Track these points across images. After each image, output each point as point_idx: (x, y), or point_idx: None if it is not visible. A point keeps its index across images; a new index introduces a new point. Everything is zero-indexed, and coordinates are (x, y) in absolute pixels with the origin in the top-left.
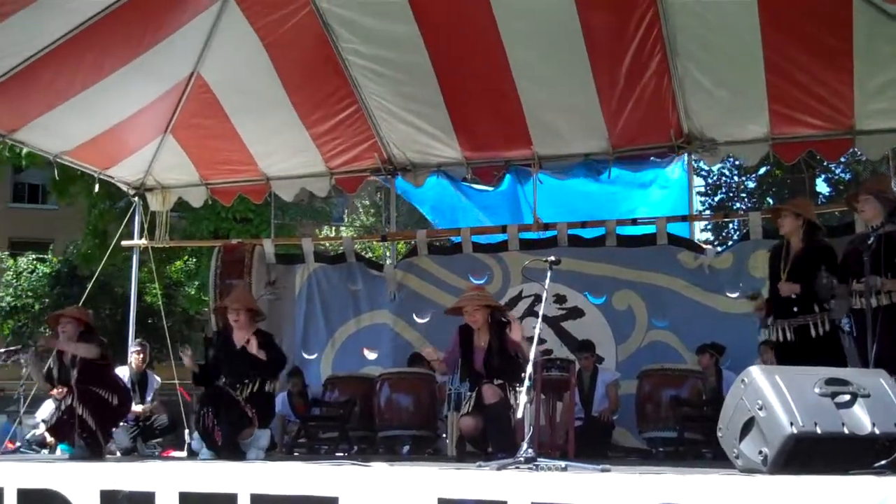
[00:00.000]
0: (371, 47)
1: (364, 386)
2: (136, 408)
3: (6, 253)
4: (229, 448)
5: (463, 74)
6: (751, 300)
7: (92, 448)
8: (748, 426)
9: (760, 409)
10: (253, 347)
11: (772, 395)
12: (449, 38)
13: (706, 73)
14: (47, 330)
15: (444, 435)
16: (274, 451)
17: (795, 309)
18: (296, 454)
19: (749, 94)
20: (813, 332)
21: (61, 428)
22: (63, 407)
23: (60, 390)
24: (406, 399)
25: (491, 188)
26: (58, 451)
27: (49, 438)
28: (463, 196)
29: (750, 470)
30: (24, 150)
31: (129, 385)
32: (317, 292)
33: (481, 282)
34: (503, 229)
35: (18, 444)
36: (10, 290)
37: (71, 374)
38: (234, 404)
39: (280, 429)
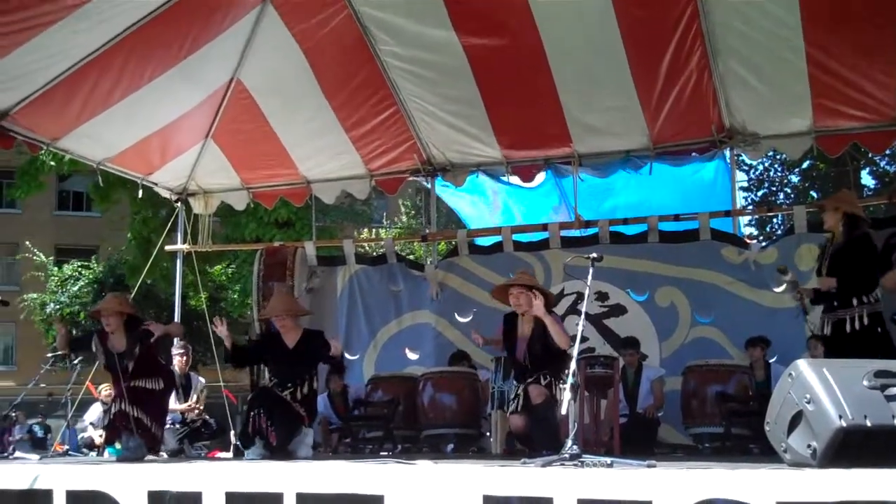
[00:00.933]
0: (408, 49)
1: (407, 385)
2: (181, 406)
3: (51, 259)
4: (284, 449)
5: (500, 74)
6: (781, 273)
7: (150, 442)
8: (796, 420)
9: (808, 402)
10: (337, 350)
11: (820, 388)
12: (486, 38)
13: (747, 67)
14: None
15: (488, 433)
16: (318, 451)
17: (835, 303)
18: (340, 451)
19: (791, 88)
20: (848, 327)
21: (113, 431)
22: (114, 410)
23: (109, 392)
24: (449, 398)
25: (530, 186)
26: (105, 454)
27: (98, 440)
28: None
29: (799, 464)
30: (68, 158)
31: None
32: (358, 293)
33: None
34: (544, 227)
35: (67, 446)
36: (55, 296)
37: (122, 365)
38: (286, 405)
39: (323, 432)
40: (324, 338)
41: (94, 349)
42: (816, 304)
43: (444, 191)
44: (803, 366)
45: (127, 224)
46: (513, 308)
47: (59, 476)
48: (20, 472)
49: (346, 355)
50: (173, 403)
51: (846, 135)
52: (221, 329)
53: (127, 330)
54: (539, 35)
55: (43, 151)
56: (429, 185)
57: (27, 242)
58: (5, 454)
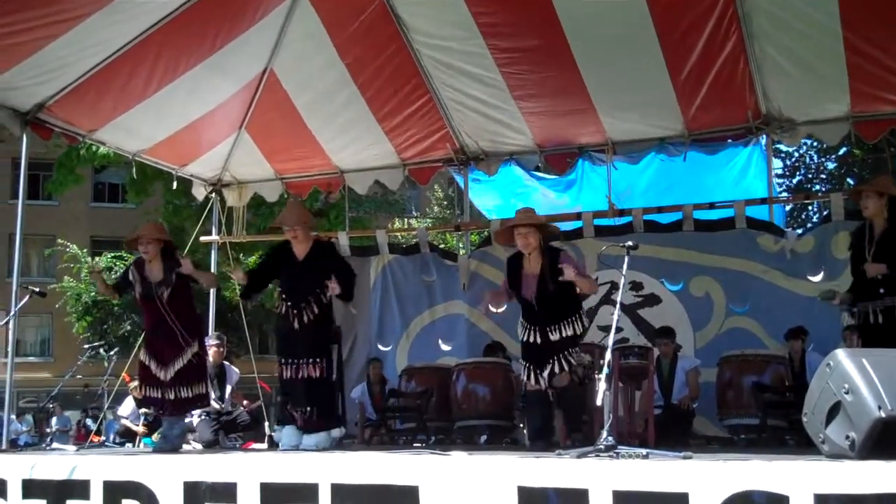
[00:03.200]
0: (438, 39)
1: (440, 376)
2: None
3: (85, 251)
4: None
5: (525, 63)
6: (828, 301)
7: (205, 402)
8: (834, 411)
9: (847, 393)
10: (335, 290)
11: (858, 378)
12: (506, 28)
13: (784, 53)
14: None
15: (521, 425)
16: (353, 442)
17: (882, 290)
18: (373, 442)
19: (828, 73)
20: None
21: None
22: (170, 397)
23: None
24: (483, 389)
25: (562, 176)
26: (141, 445)
27: (141, 430)
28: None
29: (837, 456)
30: (101, 151)
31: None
32: (391, 284)
33: None
34: (578, 216)
35: (103, 438)
36: (90, 287)
37: (158, 293)
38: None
39: (360, 419)
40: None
41: (131, 279)
42: (857, 300)
43: (472, 185)
44: (842, 356)
45: (161, 215)
46: (519, 248)
47: (96, 467)
48: (58, 463)
49: (379, 346)
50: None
51: (885, 120)
52: (237, 274)
53: (163, 259)
54: (560, 23)
55: (80, 143)
56: (461, 176)
57: (56, 237)
58: (43, 445)
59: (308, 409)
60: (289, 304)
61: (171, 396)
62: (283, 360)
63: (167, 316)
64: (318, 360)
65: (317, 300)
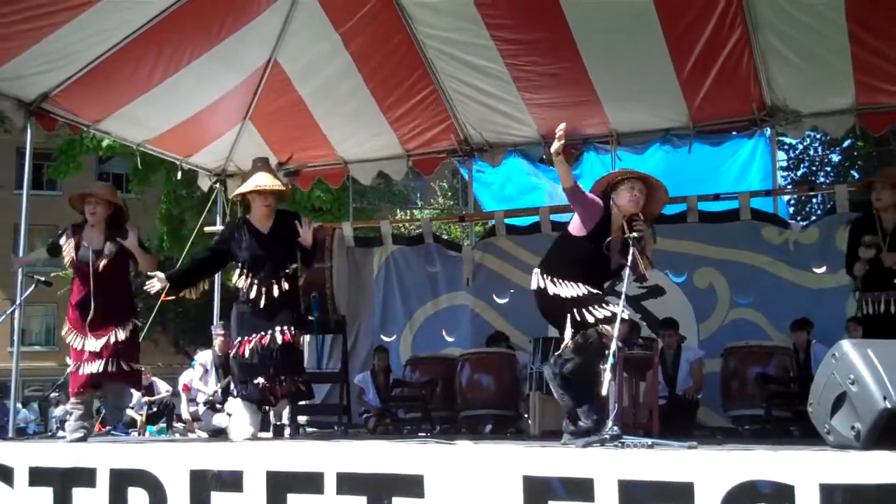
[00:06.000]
0: (442, 30)
1: (445, 366)
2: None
3: None
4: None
5: (529, 55)
6: (868, 247)
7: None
8: (840, 401)
9: (852, 383)
10: (307, 239)
11: (864, 368)
12: (510, 20)
13: (789, 44)
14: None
15: (526, 415)
16: (358, 432)
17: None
18: (379, 429)
19: (833, 65)
20: None
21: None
22: (110, 369)
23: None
24: (487, 379)
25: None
26: (146, 433)
27: (139, 420)
28: (539, 176)
29: (842, 446)
30: (105, 141)
31: (212, 367)
32: (395, 274)
33: None
34: None
35: (108, 426)
36: None
37: (94, 263)
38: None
39: (359, 402)
40: (299, 217)
41: (61, 243)
42: (866, 289)
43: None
44: (847, 346)
45: (163, 204)
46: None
47: (102, 455)
48: (65, 451)
49: (383, 336)
50: (212, 384)
51: (890, 112)
52: (153, 284)
53: (108, 226)
54: (564, 14)
55: (84, 133)
56: (465, 166)
57: (60, 227)
58: (49, 433)
59: (280, 377)
60: (256, 279)
61: (96, 370)
62: (244, 337)
63: (100, 289)
64: (289, 328)
65: (286, 273)
